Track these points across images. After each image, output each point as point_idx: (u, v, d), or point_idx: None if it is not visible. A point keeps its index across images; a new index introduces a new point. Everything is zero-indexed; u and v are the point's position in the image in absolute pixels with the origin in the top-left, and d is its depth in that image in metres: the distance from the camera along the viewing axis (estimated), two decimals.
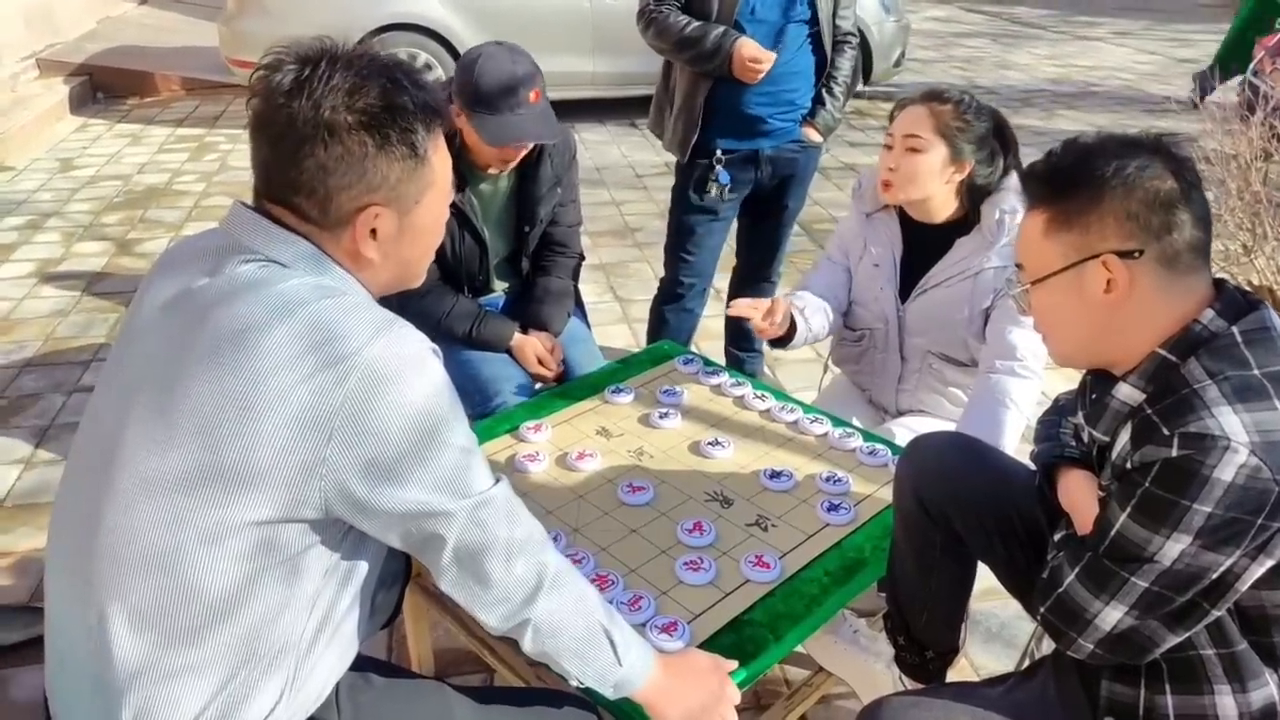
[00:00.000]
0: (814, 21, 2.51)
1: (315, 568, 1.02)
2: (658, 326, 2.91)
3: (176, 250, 1.11)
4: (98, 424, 1.04)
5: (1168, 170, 1.08)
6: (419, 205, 1.07)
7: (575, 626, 1.11)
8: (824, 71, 2.61)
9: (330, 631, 1.07)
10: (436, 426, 0.98)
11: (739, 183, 2.66)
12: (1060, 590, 1.14)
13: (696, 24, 2.44)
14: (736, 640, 1.36)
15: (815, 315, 2.02)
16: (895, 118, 1.93)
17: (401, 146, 1.02)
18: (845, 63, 2.64)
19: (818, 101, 2.62)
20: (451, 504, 1.00)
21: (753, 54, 2.38)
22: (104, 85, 6.94)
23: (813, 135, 2.65)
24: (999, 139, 1.90)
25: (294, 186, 1.01)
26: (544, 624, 1.10)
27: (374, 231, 1.04)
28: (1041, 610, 1.17)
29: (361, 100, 0.99)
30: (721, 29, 2.41)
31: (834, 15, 2.57)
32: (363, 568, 1.10)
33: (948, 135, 1.85)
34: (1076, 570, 1.13)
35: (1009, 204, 1.87)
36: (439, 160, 1.08)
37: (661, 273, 2.89)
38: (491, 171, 2.15)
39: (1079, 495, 1.25)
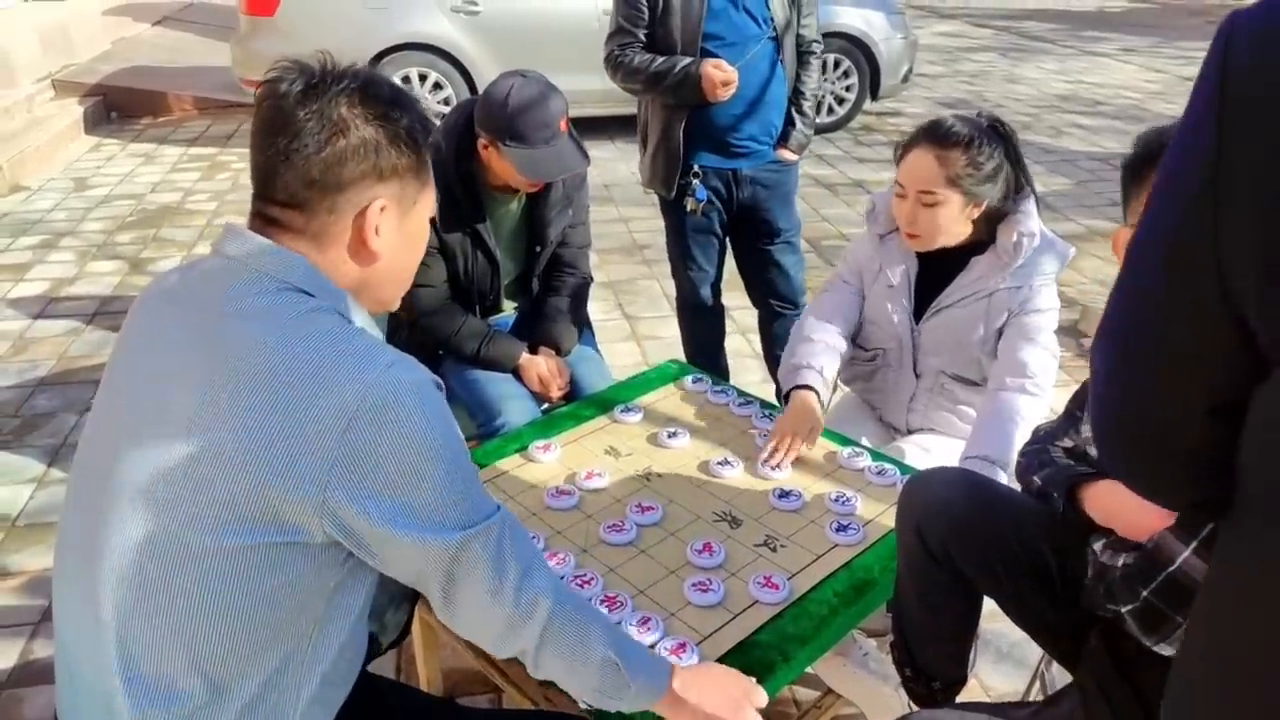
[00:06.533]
0: (776, 39, 2.54)
1: (317, 590, 1.02)
2: (690, 340, 2.98)
3: (170, 277, 1.11)
4: (97, 452, 1.04)
5: None
6: (415, 207, 1.10)
7: (577, 663, 1.11)
8: (791, 87, 2.64)
9: (331, 656, 1.07)
10: (437, 461, 0.99)
11: (718, 196, 2.68)
12: (1173, 568, 1.09)
13: (662, 59, 2.49)
14: (745, 662, 1.35)
15: (831, 366, 1.98)
16: (902, 161, 1.87)
17: (409, 140, 1.06)
18: (811, 76, 2.68)
19: (788, 123, 2.66)
20: (447, 536, 1.00)
21: (709, 73, 2.42)
22: (118, 105, 7.03)
23: (787, 156, 2.69)
24: (1010, 159, 1.85)
25: (306, 181, 1.02)
26: (545, 660, 1.11)
27: (377, 229, 1.06)
28: (1145, 594, 1.12)
29: (373, 98, 1.04)
30: (687, 59, 2.46)
31: (796, 25, 2.60)
32: (362, 591, 1.10)
33: (960, 184, 1.81)
34: (1194, 544, 1.08)
35: (1028, 227, 1.84)
36: (429, 169, 1.12)
37: (670, 290, 2.92)
38: (514, 191, 2.17)
39: (1119, 499, 1.22)
